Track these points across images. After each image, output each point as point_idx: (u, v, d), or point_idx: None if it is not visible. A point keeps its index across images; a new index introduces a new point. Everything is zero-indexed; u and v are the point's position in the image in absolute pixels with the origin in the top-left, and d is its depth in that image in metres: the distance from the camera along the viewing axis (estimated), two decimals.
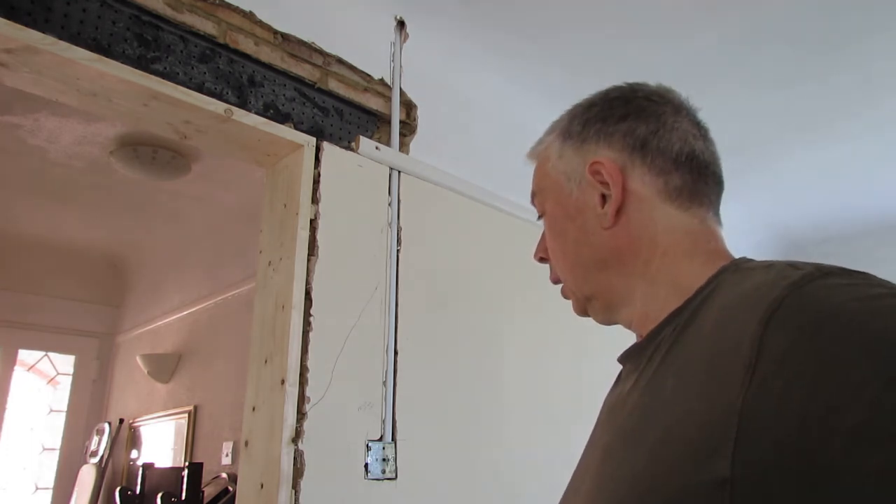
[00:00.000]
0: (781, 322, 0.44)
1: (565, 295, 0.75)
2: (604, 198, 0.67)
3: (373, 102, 1.67)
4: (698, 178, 0.66)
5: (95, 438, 3.81)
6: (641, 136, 0.66)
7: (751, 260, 0.60)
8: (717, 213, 0.68)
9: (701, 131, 0.69)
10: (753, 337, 0.45)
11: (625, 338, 0.67)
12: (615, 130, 0.68)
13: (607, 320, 0.72)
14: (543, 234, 0.77)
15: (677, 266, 0.63)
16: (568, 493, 0.66)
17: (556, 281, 0.76)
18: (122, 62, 1.23)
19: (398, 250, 1.59)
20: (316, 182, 1.47)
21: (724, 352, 0.48)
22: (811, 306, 0.45)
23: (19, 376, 3.93)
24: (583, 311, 0.74)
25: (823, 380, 0.41)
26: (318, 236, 1.43)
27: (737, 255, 0.64)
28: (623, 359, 0.67)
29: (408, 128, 1.75)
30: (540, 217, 0.76)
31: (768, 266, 0.53)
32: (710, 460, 0.44)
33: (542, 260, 0.78)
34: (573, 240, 0.70)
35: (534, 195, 0.76)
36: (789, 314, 0.45)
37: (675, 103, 0.69)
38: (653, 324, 0.62)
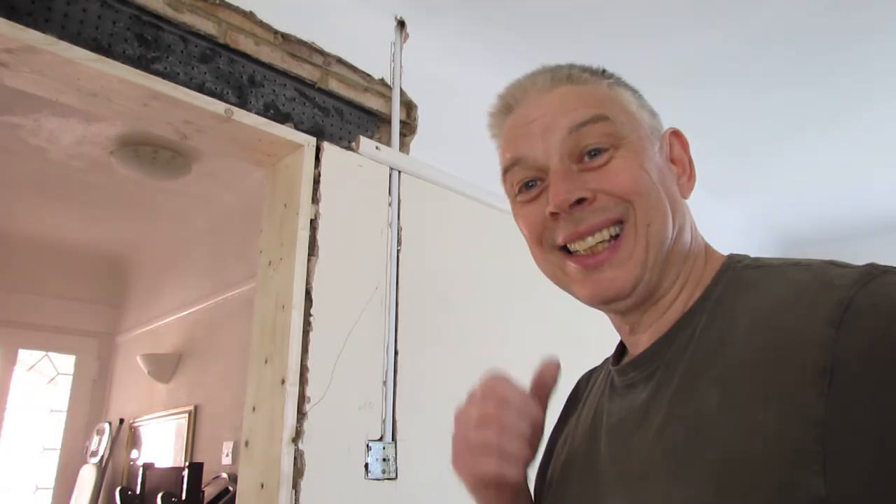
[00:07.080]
0: (854, 324, 0.41)
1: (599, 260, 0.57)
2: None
3: (373, 102, 1.67)
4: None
5: (95, 438, 3.81)
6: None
7: (745, 256, 0.58)
8: None
9: None
10: (823, 340, 0.42)
11: None
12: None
13: (632, 307, 0.59)
14: (569, 174, 0.57)
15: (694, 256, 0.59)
16: None
17: (597, 227, 0.56)
18: (122, 62, 1.23)
19: (398, 250, 1.59)
20: (316, 182, 1.47)
21: (780, 357, 0.44)
22: (884, 306, 0.41)
23: (19, 376, 3.92)
24: (634, 283, 0.56)
25: None
26: (318, 236, 1.43)
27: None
28: (628, 367, 0.59)
29: (408, 128, 1.75)
30: (592, 151, 0.57)
31: (795, 264, 0.50)
32: (797, 479, 0.40)
33: (579, 202, 0.56)
34: (666, 197, 0.58)
35: (597, 118, 0.58)
36: (861, 315, 0.42)
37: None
38: (657, 316, 0.57)
